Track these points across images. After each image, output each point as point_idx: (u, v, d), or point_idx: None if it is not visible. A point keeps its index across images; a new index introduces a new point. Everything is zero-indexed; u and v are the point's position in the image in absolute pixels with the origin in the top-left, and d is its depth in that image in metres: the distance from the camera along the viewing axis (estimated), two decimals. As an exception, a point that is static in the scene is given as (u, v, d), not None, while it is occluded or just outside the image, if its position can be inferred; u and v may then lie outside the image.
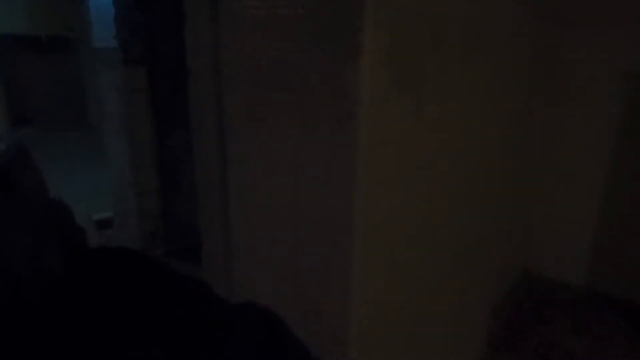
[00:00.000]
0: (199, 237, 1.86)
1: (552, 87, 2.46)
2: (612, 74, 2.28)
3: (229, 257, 1.31)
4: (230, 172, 1.19)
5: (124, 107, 2.89)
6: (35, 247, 1.08)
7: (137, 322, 1.08)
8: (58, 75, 8.38)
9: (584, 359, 2.01)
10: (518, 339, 2.16)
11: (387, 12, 0.83)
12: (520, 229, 2.71)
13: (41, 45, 8.04)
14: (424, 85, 1.01)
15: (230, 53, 1.08)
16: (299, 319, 1.11)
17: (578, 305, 2.49)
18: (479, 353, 1.95)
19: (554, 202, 2.66)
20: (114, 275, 1.26)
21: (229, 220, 1.25)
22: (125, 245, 3.18)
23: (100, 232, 3.45)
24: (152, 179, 3.10)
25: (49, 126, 8.11)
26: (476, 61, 1.33)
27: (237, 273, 1.29)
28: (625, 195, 2.43)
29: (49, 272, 1.10)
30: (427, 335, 1.46)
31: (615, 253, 2.52)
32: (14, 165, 1.20)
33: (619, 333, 2.21)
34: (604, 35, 2.28)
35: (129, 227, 3.23)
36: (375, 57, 0.84)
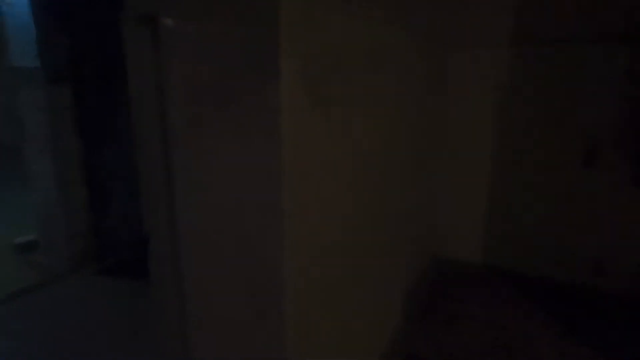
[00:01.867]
0: (134, 251, 1.96)
1: (447, 96, 2.94)
2: (487, 86, 2.81)
3: (176, 259, 1.48)
4: (177, 180, 1.37)
5: (48, 127, 2.86)
6: None
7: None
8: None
9: (482, 326, 2.42)
10: (429, 311, 2.53)
11: (299, 44, 1.10)
12: (430, 218, 3.13)
13: None
14: (332, 97, 1.30)
15: (172, 75, 1.27)
16: (250, 317, 1.32)
17: (479, 280, 2.94)
18: (395, 324, 2.26)
19: (454, 193, 3.13)
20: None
21: (177, 224, 1.42)
22: (53, 266, 3.09)
23: (23, 257, 3.31)
24: (81, 197, 3.08)
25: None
26: (375, 77, 1.65)
27: (187, 273, 1.47)
28: (507, 183, 2.95)
29: None
30: (351, 311, 1.74)
31: (504, 233, 3.02)
32: None
33: (512, 302, 2.67)
34: (479, 56, 2.81)
35: (57, 248, 3.15)
36: (291, 78, 1.10)
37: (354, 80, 1.45)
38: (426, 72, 2.49)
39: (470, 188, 3.07)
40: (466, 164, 3.04)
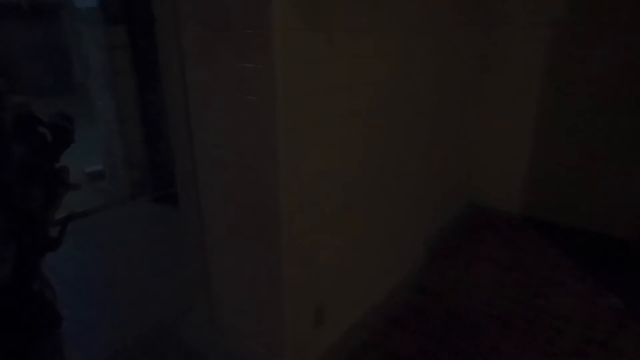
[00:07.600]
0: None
1: (494, 32, 2.75)
2: (537, 22, 2.59)
3: (195, 176, 1.63)
4: (189, 97, 1.50)
5: (107, 64, 3.13)
6: None
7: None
8: (41, 41, 8.43)
9: (503, 265, 2.41)
10: (454, 250, 2.55)
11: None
12: (466, 169, 3.06)
13: (22, 12, 8.04)
14: (333, 22, 1.32)
15: (183, 1, 1.37)
16: (253, 231, 1.45)
17: (510, 226, 2.88)
18: (415, 258, 2.32)
19: (494, 143, 3.01)
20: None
21: (193, 144, 1.57)
22: (116, 193, 3.49)
23: (92, 184, 3.74)
24: (137, 131, 3.38)
25: (34, 93, 8.24)
26: (395, 9, 1.63)
27: (201, 188, 1.62)
28: (552, 136, 2.77)
29: None
30: (356, 238, 1.82)
31: (545, 185, 2.89)
32: None
33: (542, 250, 2.59)
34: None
35: (119, 177, 3.53)
36: (284, 1, 1.15)
37: (362, 10, 1.45)
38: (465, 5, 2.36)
39: (513, 136, 2.94)
40: (509, 111, 2.89)
